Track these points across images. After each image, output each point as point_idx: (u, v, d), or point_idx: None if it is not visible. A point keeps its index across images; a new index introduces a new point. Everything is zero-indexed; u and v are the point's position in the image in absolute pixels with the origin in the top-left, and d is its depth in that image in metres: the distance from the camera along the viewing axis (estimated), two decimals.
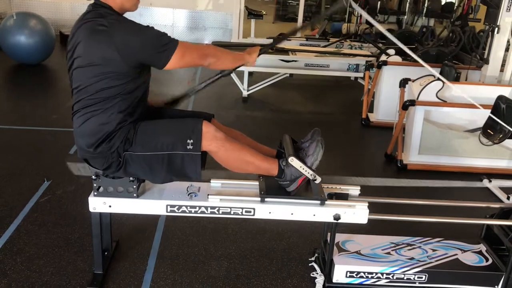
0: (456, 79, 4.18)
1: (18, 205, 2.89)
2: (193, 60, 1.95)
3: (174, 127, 2.00)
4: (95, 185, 2.08)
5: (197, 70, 6.85)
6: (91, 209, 2.12)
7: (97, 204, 2.11)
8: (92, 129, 1.95)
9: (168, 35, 1.89)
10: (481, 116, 3.47)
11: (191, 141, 1.95)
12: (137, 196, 2.11)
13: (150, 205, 2.13)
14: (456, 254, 2.39)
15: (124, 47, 1.82)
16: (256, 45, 2.31)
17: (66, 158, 3.58)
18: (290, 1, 13.22)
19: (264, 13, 8.17)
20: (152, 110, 2.17)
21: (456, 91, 3.69)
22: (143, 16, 8.35)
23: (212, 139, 1.98)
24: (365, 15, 1.66)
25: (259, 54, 2.24)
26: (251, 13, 7.75)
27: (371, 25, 7.99)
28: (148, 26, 1.88)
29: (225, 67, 2.16)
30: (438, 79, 3.57)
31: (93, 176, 2.06)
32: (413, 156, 3.87)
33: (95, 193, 2.10)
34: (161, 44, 1.86)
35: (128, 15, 1.96)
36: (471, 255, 2.39)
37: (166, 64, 1.88)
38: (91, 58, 1.85)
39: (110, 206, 2.11)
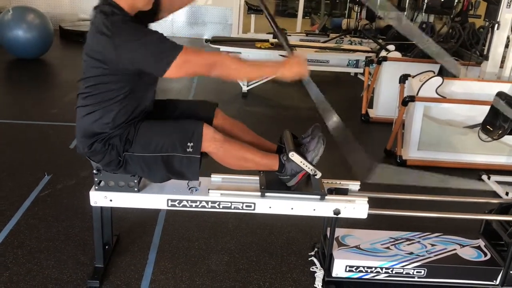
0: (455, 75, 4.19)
1: (18, 199, 2.90)
2: (195, 70, 1.84)
3: (175, 130, 1.98)
4: (96, 179, 2.08)
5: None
6: (92, 203, 2.13)
7: (98, 198, 2.11)
8: (86, 127, 1.97)
9: (172, 41, 1.78)
10: (481, 112, 3.48)
11: (191, 144, 1.96)
12: (138, 191, 2.12)
13: (151, 199, 2.14)
14: (455, 249, 2.40)
15: (123, 52, 1.77)
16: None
17: (66, 152, 3.59)
18: None
19: None
20: (157, 104, 2.17)
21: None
22: None
23: (211, 141, 1.99)
24: None
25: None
26: (251, 8, 7.74)
27: (371, 21, 8.00)
28: (152, 31, 1.79)
29: (241, 79, 1.93)
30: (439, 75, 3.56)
31: (94, 171, 2.07)
32: (412, 152, 3.88)
33: (96, 187, 2.10)
34: (161, 51, 1.76)
35: None
36: (469, 250, 2.41)
37: (164, 72, 1.78)
38: (93, 53, 1.85)
39: (111, 200, 2.12)
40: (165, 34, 1.80)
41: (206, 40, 5.77)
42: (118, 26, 1.78)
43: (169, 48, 1.76)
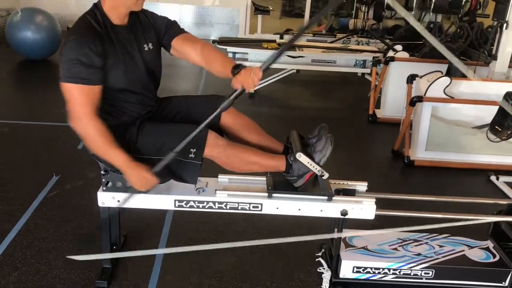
0: (463, 75, 4.16)
1: (27, 200, 2.91)
2: (69, 104, 1.85)
3: (179, 135, 1.93)
4: (104, 180, 2.09)
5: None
6: (100, 204, 2.14)
7: (106, 198, 2.12)
8: None
9: (85, 70, 1.78)
10: (489, 113, 3.46)
11: (194, 150, 1.96)
12: (146, 191, 2.12)
13: (158, 200, 2.15)
14: (463, 250, 2.39)
15: (65, 42, 1.83)
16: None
17: (74, 153, 3.61)
18: None
19: (271, 8, 8.16)
20: (161, 103, 2.17)
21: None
22: None
23: (213, 146, 1.98)
24: None
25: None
26: (258, 9, 7.75)
27: (378, 21, 7.97)
28: (89, 47, 1.78)
29: (88, 146, 1.94)
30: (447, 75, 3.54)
31: (102, 171, 2.08)
32: (420, 153, 3.86)
33: (104, 188, 2.11)
34: (70, 68, 1.78)
35: None
36: (478, 251, 2.39)
37: (60, 83, 1.82)
38: None
39: (118, 201, 2.13)
40: None
41: (214, 41, 5.78)
42: (77, 23, 1.86)
43: (71, 70, 1.78)
